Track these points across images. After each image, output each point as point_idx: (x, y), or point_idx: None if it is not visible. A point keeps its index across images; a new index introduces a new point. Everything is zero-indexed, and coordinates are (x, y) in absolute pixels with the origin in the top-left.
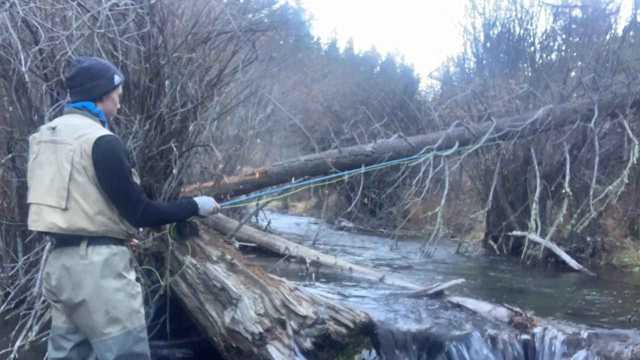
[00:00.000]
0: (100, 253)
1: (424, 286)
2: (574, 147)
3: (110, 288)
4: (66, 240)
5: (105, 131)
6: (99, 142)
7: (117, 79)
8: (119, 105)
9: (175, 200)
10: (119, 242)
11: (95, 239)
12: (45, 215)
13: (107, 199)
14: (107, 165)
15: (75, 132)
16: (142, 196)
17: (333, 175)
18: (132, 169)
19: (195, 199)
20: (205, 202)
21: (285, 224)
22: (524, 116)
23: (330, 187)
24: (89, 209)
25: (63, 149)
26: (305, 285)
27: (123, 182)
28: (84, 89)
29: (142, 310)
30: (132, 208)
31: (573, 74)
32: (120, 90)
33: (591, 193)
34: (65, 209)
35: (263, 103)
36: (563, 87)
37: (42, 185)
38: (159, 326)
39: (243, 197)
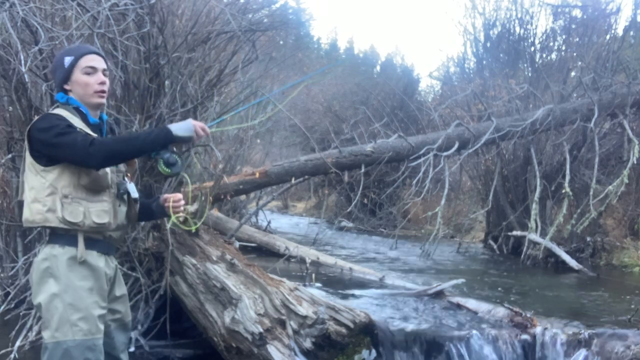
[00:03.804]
0: (43, 252)
1: (424, 286)
2: (574, 147)
3: (46, 292)
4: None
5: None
6: (34, 122)
7: (67, 59)
8: (92, 84)
9: None
10: (66, 241)
11: (50, 237)
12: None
13: (43, 184)
14: (37, 133)
15: None
16: (83, 137)
17: None
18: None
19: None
20: (180, 123)
21: (285, 224)
22: (524, 116)
23: (330, 187)
24: (27, 197)
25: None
26: (305, 285)
27: (54, 133)
28: (55, 85)
29: (86, 326)
30: (77, 150)
31: (573, 74)
32: (81, 65)
33: (591, 193)
34: (24, 201)
35: (263, 103)
36: (563, 87)
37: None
38: (159, 326)
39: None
